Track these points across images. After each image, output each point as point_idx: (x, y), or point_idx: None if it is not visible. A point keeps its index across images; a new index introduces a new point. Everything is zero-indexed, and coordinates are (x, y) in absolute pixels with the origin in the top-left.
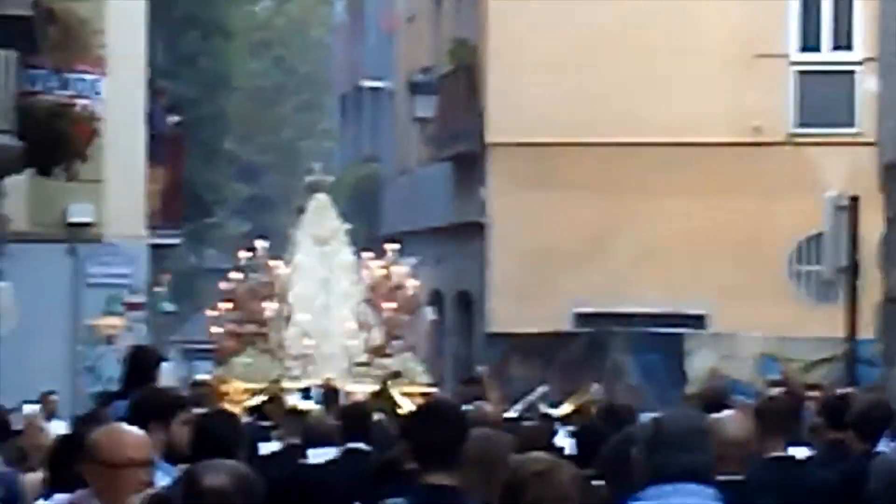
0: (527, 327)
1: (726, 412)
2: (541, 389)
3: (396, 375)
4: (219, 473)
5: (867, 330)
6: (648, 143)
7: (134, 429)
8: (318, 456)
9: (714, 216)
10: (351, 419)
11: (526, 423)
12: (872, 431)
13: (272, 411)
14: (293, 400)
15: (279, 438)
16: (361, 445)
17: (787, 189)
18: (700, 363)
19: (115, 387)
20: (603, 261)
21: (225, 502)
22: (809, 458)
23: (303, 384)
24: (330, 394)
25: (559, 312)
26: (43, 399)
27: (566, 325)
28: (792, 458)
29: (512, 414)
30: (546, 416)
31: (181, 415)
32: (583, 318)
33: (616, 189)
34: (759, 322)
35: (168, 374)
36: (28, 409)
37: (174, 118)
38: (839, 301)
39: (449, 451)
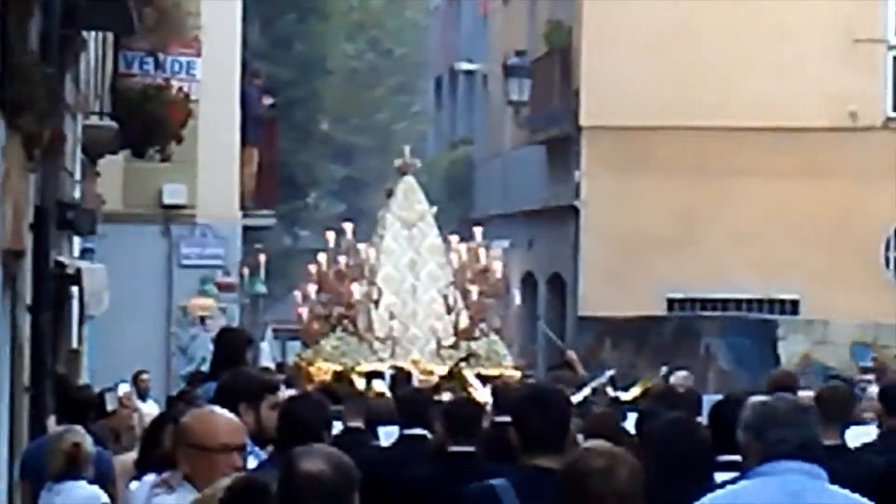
0: (619, 311)
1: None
2: (608, 373)
3: (470, 358)
4: (317, 459)
5: None
6: (743, 128)
7: (226, 412)
8: (385, 435)
9: (808, 201)
10: (409, 404)
11: (595, 408)
12: None
13: (341, 391)
14: (361, 383)
15: (342, 420)
16: (419, 431)
17: (882, 174)
18: (793, 349)
19: (206, 368)
20: (695, 245)
21: (323, 488)
22: (866, 445)
23: (374, 367)
24: (398, 377)
25: (651, 296)
26: (135, 379)
27: (658, 310)
28: (843, 446)
29: (578, 398)
30: (615, 399)
31: (269, 398)
32: (675, 303)
33: (709, 173)
34: (852, 308)
35: (264, 356)
36: (122, 388)
37: (269, 100)
38: None
39: (553, 435)
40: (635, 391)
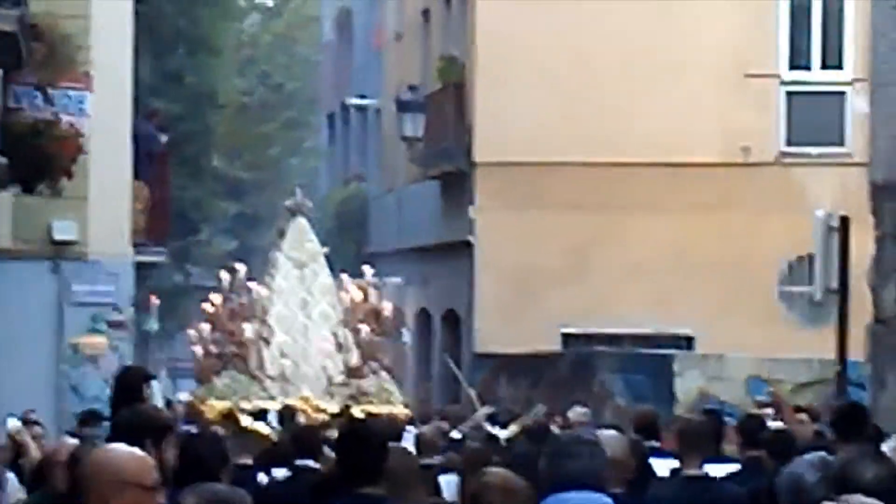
0: (514, 347)
1: (608, 433)
2: (484, 410)
3: (360, 396)
4: (206, 497)
5: (857, 352)
6: (637, 163)
7: (137, 451)
8: (272, 475)
9: (703, 236)
10: (301, 439)
11: (470, 444)
12: (784, 451)
13: (227, 429)
14: (247, 421)
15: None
16: (310, 463)
17: (776, 209)
18: (688, 384)
19: (98, 406)
20: (590, 280)
21: None
22: (729, 475)
23: (260, 406)
24: (287, 415)
25: (546, 332)
26: (24, 418)
27: (554, 345)
28: (706, 475)
29: (457, 434)
30: (491, 436)
31: (170, 436)
32: (570, 338)
33: (604, 208)
34: (747, 343)
35: (156, 393)
36: (11, 423)
37: (164, 138)
38: (829, 323)
39: (373, 466)
40: (513, 429)
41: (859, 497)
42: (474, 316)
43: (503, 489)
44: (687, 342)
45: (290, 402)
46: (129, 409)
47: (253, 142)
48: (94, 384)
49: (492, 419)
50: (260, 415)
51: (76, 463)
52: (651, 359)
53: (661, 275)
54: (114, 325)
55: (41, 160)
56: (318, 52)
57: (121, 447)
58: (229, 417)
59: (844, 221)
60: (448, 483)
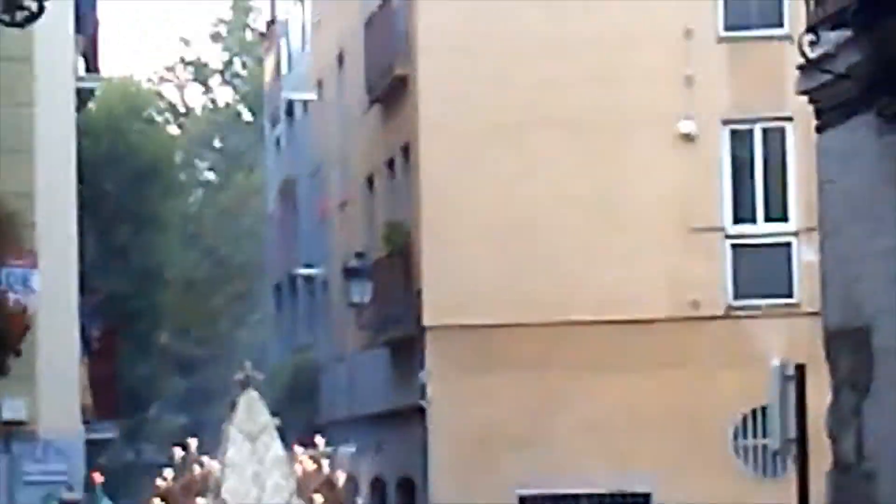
0: None
1: None
2: None
3: None
4: None
5: (815, 502)
6: (587, 322)
7: None
8: None
9: (655, 392)
10: None
11: None
12: None
13: None
14: None
15: None
16: None
17: (727, 362)
18: None
19: None
20: (546, 441)
21: None
22: None
23: None
24: None
25: (503, 496)
26: None
27: None
28: None
29: None
30: None
31: None
32: (527, 500)
33: (556, 368)
34: (704, 498)
35: None
36: None
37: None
38: (785, 474)
39: None
40: None
41: None
42: (429, 482)
43: None
44: (645, 499)
45: None
46: None
47: (201, 317)
48: None
49: None
50: None
51: None
52: None
53: (616, 433)
54: (67, 503)
55: None
56: (264, 223)
57: None
58: None
59: (801, 370)
60: None
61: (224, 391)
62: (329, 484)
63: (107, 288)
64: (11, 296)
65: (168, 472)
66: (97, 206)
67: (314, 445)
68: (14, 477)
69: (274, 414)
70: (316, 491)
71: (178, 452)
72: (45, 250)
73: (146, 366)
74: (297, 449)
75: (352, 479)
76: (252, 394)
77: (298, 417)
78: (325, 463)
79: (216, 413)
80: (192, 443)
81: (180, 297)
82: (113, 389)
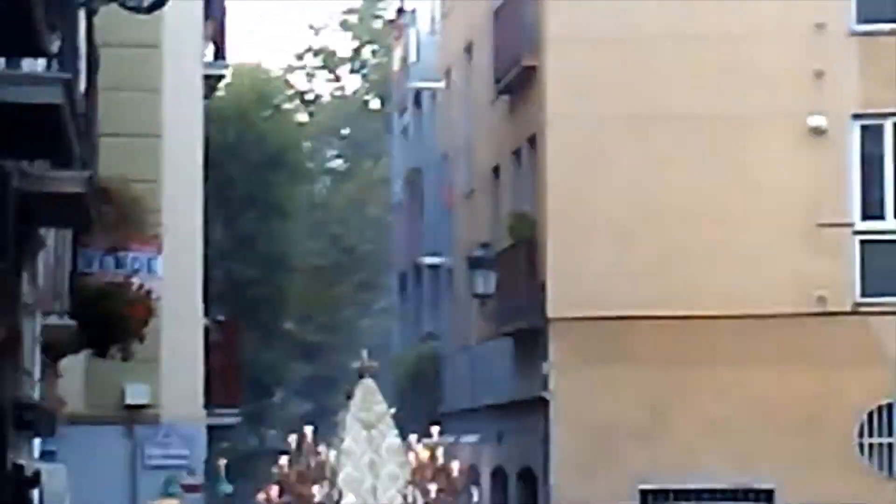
0: None
1: None
2: None
3: None
4: None
5: None
6: (712, 316)
7: None
8: None
9: (780, 388)
10: None
11: None
12: None
13: None
14: None
15: None
16: None
17: (853, 359)
18: None
19: None
20: (668, 435)
21: None
22: None
23: None
24: None
25: (625, 488)
26: None
27: (632, 501)
28: None
29: None
30: None
31: None
32: (648, 494)
33: (679, 362)
34: (828, 496)
35: None
36: None
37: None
38: None
39: None
40: None
41: None
42: (550, 473)
43: None
44: (767, 496)
45: None
46: None
47: (325, 304)
48: None
49: None
50: None
51: None
52: None
53: (740, 428)
54: (188, 488)
55: (112, 323)
56: (389, 212)
57: None
58: None
59: None
60: None
61: (346, 379)
62: (444, 473)
63: (233, 274)
64: (136, 281)
65: (284, 460)
66: (224, 194)
67: (430, 436)
68: (136, 461)
69: (396, 403)
70: (431, 480)
71: (293, 440)
72: (171, 236)
73: (271, 352)
74: (412, 438)
75: (473, 470)
76: (369, 382)
77: (421, 406)
78: (439, 453)
79: (339, 400)
80: (308, 430)
81: (305, 285)
82: (236, 375)
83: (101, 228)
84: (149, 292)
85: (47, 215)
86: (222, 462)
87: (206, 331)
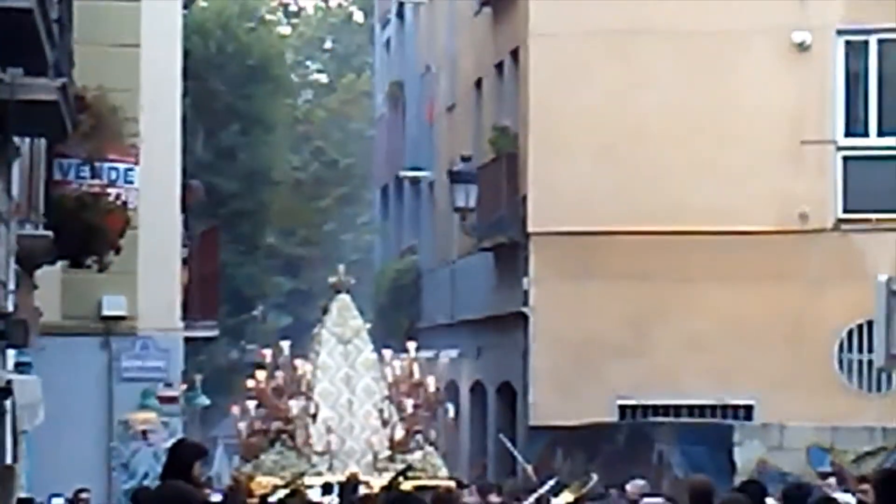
0: (570, 419)
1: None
2: (550, 483)
3: (407, 471)
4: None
5: None
6: (693, 232)
7: None
8: None
9: (760, 305)
10: None
11: None
12: None
13: None
14: (314, 495)
15: None
16: None
17: (834, 276)
18: (748, 455)
19: (149, 483)
20: (647, 351)
21: None
22: None
23: (325, 479)
24: (347, 488)
25: (603, 404)
26: (75, 497)
27: (610, 417)
28: None
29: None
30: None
31: None
32: (627, 410)
33: (660, 278)
34: (807, 412)
35: (215, 469)
36: (56, 502)
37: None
38: (890, 391)
39: None
40: (564, 498)
41: None
42: (529, 388)
43: None
44: (746, 412)
45: (341, 476)
46: (165, 485)
47: (307, 218)
48: (144, 460)
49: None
50: (327, 488)
51: None
52: (710, 429)
53: (719, 344)
54: (165, 400)
55: (88, 234)
56: (372, 126)
57: None
58: (295, 495)
59: None
60: None
61: (329, 293)
62: (420, 388)
63: (213, 187)
64: (112, 191)
65: (260, 374)
66: (205, 106)
67: (417, 349)
68: (113, 372)
69: (376, 317)
70: (407, 395)
71: (269, 354)
72: (149, 146)
73: (251, 266)
74: (387, 353)
75: (452, 384)
76: (345, 297)
77: (401, 321)
78: (416, 368)
79: (320, 315)
80: (285, 345)
81: (287, 198)
82: (215, 288)
83: (77, 138)
84: (125, 203)
85: (21, 124)
86: (198, 376)
87: (184, 243)
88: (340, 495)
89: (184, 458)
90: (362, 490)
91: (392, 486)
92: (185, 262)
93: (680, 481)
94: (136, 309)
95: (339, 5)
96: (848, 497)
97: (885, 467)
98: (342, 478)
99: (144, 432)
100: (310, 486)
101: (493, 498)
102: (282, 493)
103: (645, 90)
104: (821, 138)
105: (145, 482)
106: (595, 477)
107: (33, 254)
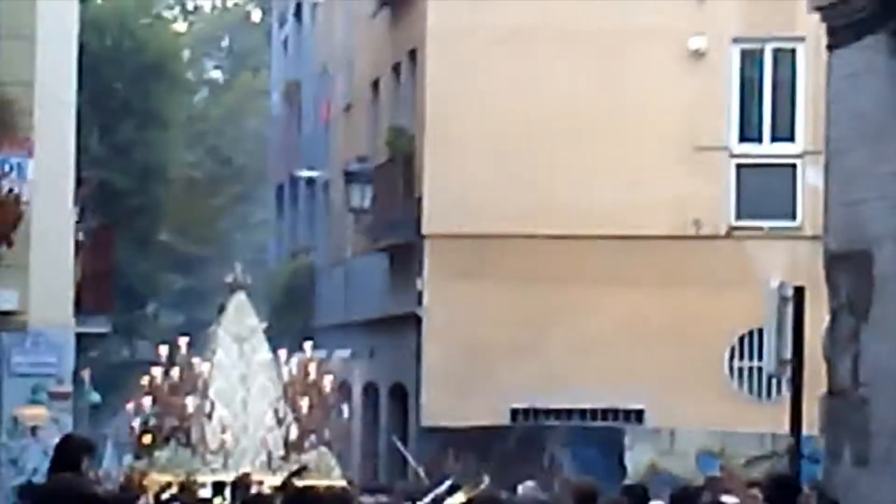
0: (462, 421)
1: None
2: (447, 483)
3: (302, 471)
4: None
5: (808, 426)
6: (587, 236)
7: None
8: None
9: (653, 309)
10: None
11: None
12: None
13: (185, 502)
14: (205, 493)
15: None
16: None
17: (726, 283)
18: (639, 458)
19: (38, 479)
20: (540, 354)
21: None
22: None
23: (216, 478)
24: (240, 487)
25: (495, 406)
26: None
27: (502, 420)
28: None
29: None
30: None
31: None
32: (519, 413)
33: (554, 281)
34: (697, 418)
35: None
36: None
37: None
38: (780, 397)
39: None
40: (458, 498)
41: None
42: (422, 390)
43: None
44: (637, 416)
45: (235, 475)
46: (56, 478)
47: (201, 216)
48: (34, 456)
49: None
50: (218, 487)
51: None
52: (601, 433)
53: (612, 349)
54: (55, 396)
55: None
56: (268, 125)
57: None
58: (184, 490)
59: (799, 291)
60: None
61: (222, 292)
62: (315, 388)
63: (108, 183)
64: (5, 183)
65: (156, 371)
66: (101, 102)
67: (313, 348)
68: (3, 368)
69: (270, 317)
70: (302, 395)
71: (165, 351)
72: (43, 140)
73: (145, 263)
74: (282, 353)
75: (345, 384)
76: (241, 297)
77: (294, 320)
78: (312, 368)
79: (213, 313)
80: (182, 342)
81: (182, 196)
82: (108, 283)
83: None
84: (18, 196)
85: None
86: (86, 371)
87: (77, 238)
88: (232, 495)
89: (72, 453)
90: (255, 489)
91: (286, 485)
92: (77, 256)
93: (570, 484)
94: (28, 303)
95: (236, 4)
96: (733, 499)
97: (775, 471)
98: (234, 477)
99: (34, 428)
100: (202, 485)
101: (382, 498)
102: (174, 490)
103: (542, 92)
104: (715, 144)
105: (34, 478)
106: (487, 478)
107: None
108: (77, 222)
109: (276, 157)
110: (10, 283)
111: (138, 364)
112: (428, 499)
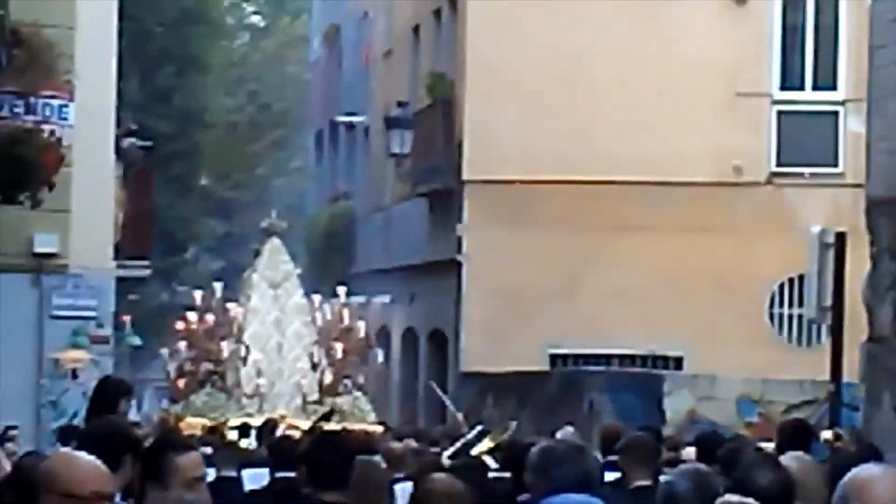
0: (501, 366)
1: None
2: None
3: (330, 414)
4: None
5: (850, 373)
6: (627, 182)
7: (92, 458)
8: (252, 479)
9: (693, 256)
10: (279, 450)
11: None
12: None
13: (214, 444)
14: (233, 435)
15: (216, 469)
16: (289, 474)
17: (767, 230)
18: (678, 404)
19: (78, 422)
20: (579, 300)
21: None
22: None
23: (245, 421)
24: (265, 430)
25: (534, 352)
26: (3, 434)
27: (541, 365)
28: (648, 486)
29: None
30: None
31: (137, 451)
32: (558, 358)
33: (594, 227)
34: (736, 365)
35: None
36: None
37: (137, 146)
38: (820, 344)
39: (339, 475)
40: (485, 445)
41: (738, 497)
42: (461, 335)
43: (446, 493)
44: (676, 363)
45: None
46: (98, 421)
47: (241, 161)
48: (74, 399)
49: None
50: (244, 430)
51: (19, 474)
52: (640, 379)
53: (652, 295)
54: (95, 339)
55: (22, 169)
56: (308, 70)
57: (72, 455)
58: (215, 432)
59: (841, 237)
60: (403, 490)
61: (260, 237)
62: (349, 333)
63: (148, 128)
64: (46, 127)
65: (192, 315)
66: (140, 47)
67: (348, 294)
68: (43, 311)
69: (309, 262)
70: (336, 339)
71: (199, 296)
72: (84, 84)
73: (184, 208)
74: (317, 298)
75: (384, 330)
76: (276, 242)
77: (334, 266)
78: (345, 313)
79: (251, 258)
80: (217, 287)
81: (221, 141)
82: (148, 228)
83: (12, 72)
84: (60, 140)
85: None
86: (127, 317)
87: (120, 181)
88: (259, 437)
89: (108, 396)
90: (285, 431)
91: (314, 428)
92: (119, 201)
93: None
94: (69, 247)
95: None
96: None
97: (796, 416)
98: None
99: (74, 371)
100: (232, 428)
101: (412, 443)
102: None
103: (582, 38)
104: (756, 91)
105: (74, 421)
106: (514, 424)
107: None
108: (116, 166)
109: (315, 103)
110: (51, 227)
111: (178, 309)
112: (457, 445)
